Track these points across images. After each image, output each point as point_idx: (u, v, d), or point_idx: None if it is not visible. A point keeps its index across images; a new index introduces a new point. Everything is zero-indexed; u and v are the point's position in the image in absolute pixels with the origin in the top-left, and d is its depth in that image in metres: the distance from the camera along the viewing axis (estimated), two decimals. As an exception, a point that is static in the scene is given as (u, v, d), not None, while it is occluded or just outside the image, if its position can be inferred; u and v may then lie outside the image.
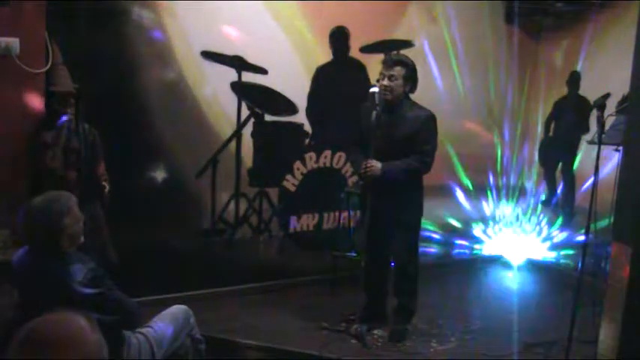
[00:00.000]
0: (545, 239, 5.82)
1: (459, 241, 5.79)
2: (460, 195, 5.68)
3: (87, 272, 2.52)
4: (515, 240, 5.98)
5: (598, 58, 5.25)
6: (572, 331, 3.59)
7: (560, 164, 5.67)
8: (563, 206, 5.64)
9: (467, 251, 5.87)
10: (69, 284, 2.46)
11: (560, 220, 5.67)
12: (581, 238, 3.70)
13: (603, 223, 3.68)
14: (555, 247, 5.72)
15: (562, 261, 5.61)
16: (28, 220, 2.53)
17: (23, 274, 2.53)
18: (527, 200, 5.95)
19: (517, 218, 6.02)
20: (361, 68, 4.96)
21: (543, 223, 5.83)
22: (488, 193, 5.86)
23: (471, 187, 5.73)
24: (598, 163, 3.48)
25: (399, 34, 5.08)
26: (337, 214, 5.00)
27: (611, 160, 3.50)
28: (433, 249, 5.55)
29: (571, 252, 5.47)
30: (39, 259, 2.52)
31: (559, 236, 5.68)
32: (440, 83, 5.27)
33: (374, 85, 3.87)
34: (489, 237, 5.96)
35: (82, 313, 1.42)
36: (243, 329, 4.06)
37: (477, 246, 5.91)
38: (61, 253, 2.52)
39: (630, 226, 3.10)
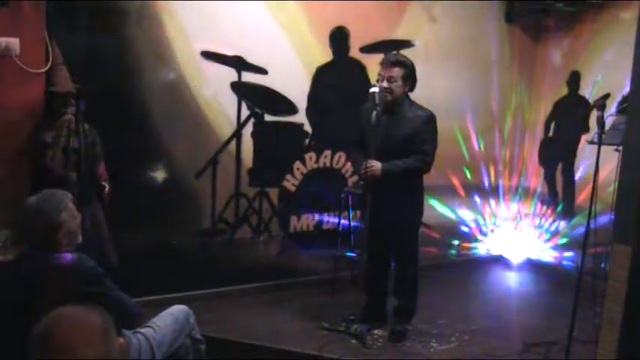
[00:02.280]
0: (544, 239, 5.82)
1: (459, 241, 5.80)
2: (460, 195, 5.68)
3: (87, 271, 2.52)
4: (515, 240, 5.97)
5: (598, 58, 5.25)
6: (572, 331, 3.59)
7: (560, 164, 5.67)
8: (562, 206, 5.64)
9: (467, 251, 5.87)
10: (69, 283, 2.46)
11: (559, 220, 5.67)
12: (581, 238, 3.70)
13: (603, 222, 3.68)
14: (555, 247, 5.72)
15: (562, 261, 5.61)
16: (25, 218, 2.53)
17: (23, 273, 2.52)
18: (526, 200, 5.95)
19: (517, 218, 6.02)
20: (361, 68, 4.95)
21: (543, 222, 5.83)
22: (488, 193, 5.85)
23: (471, 187, 5.73)
24: (598, 163, 3.48)
25: (399, 34, 5.09)
26: (337, 214, 5.01)
27: (611, 160, 3.49)
28: (433, 249, 5.55)
29: (571, 252, 5.46)
30: (38, 257, 2.52)
31: (559, 236, 5.67)
32: (439, 83, 5.25)
33: (374, 86, 3.87)
34: (489, 237, 5.96)
35: (96, 307, 1.42)
36: (244, 329, 4.06)
37: (477, 246, 5.91)
38: (60, 251, 2.51)
39: (630, 226, 3.09)
